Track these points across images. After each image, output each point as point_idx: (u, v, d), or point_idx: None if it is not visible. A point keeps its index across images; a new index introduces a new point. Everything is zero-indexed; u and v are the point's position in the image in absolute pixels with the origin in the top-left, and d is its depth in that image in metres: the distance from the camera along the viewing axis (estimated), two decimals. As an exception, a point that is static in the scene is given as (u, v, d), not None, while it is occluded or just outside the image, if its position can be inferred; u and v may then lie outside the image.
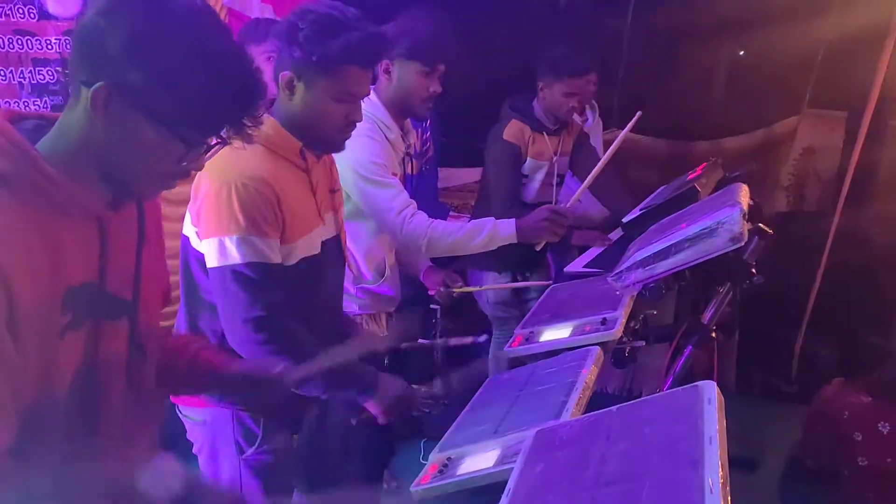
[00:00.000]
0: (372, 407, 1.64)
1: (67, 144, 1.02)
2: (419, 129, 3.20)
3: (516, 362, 1.96)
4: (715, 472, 0.89)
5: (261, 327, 1.54)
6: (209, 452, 1.75)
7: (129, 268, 1.14)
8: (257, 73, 1.07)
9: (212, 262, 1.54)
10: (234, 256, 1.51)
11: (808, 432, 3.04)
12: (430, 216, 3.39)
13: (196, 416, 1.72)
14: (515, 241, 2.23)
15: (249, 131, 1.07)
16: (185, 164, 1.06)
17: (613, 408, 1.22)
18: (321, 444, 1.91)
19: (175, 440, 1.74)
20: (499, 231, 2.21)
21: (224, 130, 1.05)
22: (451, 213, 4.01)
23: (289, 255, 1.60)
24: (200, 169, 1.10)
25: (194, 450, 1.76)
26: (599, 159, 3.25)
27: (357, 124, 1.68)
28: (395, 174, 2.22)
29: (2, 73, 2.66)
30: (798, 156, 4.06)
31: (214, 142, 1.07)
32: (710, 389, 1.08)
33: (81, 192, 1.02)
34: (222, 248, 1.52)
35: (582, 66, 2.96)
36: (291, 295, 1.61)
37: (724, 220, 1.72)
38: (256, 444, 1.70)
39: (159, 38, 0.97)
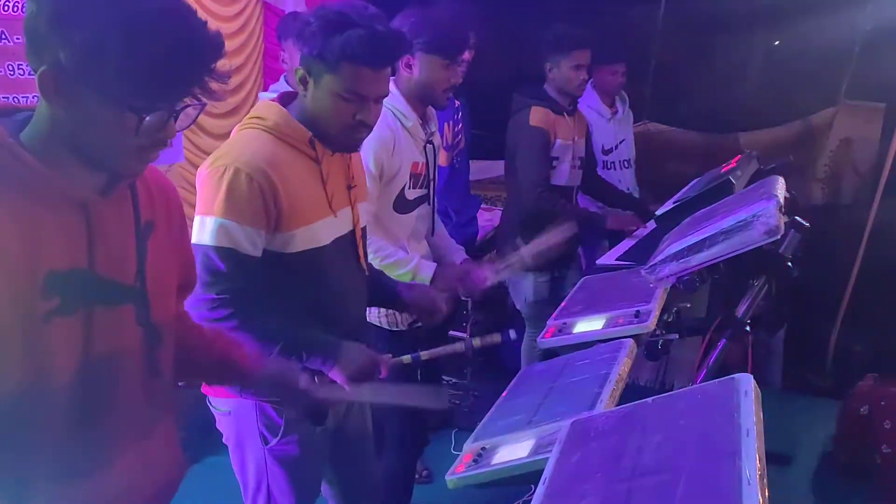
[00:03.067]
0: (336, 375, 1.64)
1: (41, 132, 1.03)
2: (451, 122, 3.20)
3: (548, 354, 1.96)
4: (753, 464, 0.89)
5: (215, 309, 1.55)
6: (236, 443, 1.77)
7: (128, 252, 1.14)
8: (202, 28, 1.01)
9: (193, 238, 1.57)
10: (207, 238, 1.54)
11: (841, 427, 3.01)
12: (461, 208, 3.42)
13: (222, 406, 1.75)
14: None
15: (217, 90, 1.03)
16: (155, 133, 1.03)
17: (649, 399, 1.23)
18: (355, 435, 1.93)
19: (211, 428, 1.80)
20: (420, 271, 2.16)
21: (193, 91, 1.01)
22: (482, 205, 4.02)
23: (288, 244, 1.61)
24: (173, 136, 1.06)
25: (224, 440, 1.79)
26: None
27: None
28: (414, 163, 2.21)
29: None
30: (834, 148, 4.00)
31: (185, 105, 1.03)
32: (746, 382, 1.09)
33: (61, 179, 1.02)
34: (201, 227, 1.55)
35: (583, 37, 3.00)
36: (293, 284, 1.63)
37: (759, 213, 1.71)
38: (280, 435, 1.72)
39: (78, 11, 0.96)
